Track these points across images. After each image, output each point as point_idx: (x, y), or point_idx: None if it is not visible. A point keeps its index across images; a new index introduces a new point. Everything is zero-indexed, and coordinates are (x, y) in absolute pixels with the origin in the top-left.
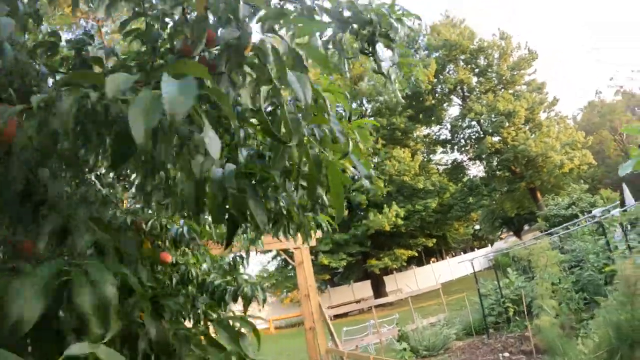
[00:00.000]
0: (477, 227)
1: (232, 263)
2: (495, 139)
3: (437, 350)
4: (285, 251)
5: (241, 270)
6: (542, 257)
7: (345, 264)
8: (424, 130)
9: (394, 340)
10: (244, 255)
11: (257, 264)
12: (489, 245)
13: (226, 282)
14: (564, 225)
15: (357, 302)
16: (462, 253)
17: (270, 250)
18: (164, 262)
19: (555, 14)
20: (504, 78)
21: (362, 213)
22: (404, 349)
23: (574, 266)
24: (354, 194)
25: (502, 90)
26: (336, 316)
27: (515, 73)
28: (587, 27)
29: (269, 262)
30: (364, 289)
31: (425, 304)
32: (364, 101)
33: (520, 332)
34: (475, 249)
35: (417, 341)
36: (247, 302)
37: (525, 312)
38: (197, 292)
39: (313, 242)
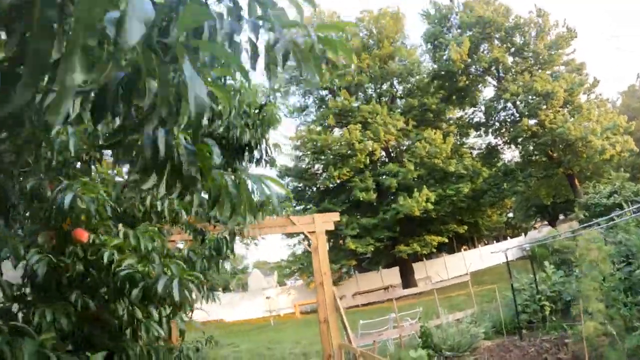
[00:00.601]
0: (511, 215)
1: (213, 247)
2: (532, 121)
3: (462, 351)
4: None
5: (229, 256)
6: (590, 251)
7: (373, 249)
8: (457, 113)
9: (416, 336)
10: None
11: (284, 247)
12: (523, 234)
13: (141, 273)
14: (609, 216)
15: (385, 289)
16: (494, 241)
17: (298, 234)
18: (78, 241)
19: (575, 2)
20: (541, 57)
21: (391, 197)
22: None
23: (621, 262)
24: (382, 177)
25: (540, 70)
26: (363, 304)
27: (553, 52)
28: (607, 15)
29: (294, 246)
30: (393, 275)
31: (454, 294)
32: (395, 82)
33: (557, 335)
34: (508, 238)
35: (441, 339)
36: (173, 304)
37: (581, 311)
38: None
39: (330, 226)
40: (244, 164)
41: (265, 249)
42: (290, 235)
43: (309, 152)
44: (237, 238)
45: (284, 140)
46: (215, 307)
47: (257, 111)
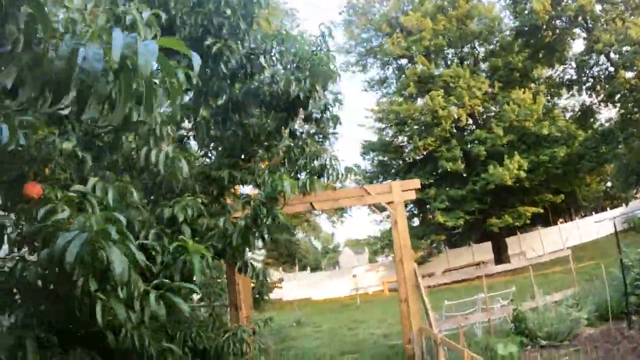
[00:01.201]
0: (609, 184)
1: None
2: (630, 74)
3: (560, 339)
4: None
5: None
6: None
7: (463, 222)
8: (545, 72)
9: (507, 319)
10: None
11: (372, 222)
12: (623, 204)
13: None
14: None
15: (477, 264)
16: (592, 213)
17: (384, 208)
18: (28, 197)
19: None
20: (631, 1)
21: (480, 166)
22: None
23: None
24: (470, 145)
25: (632, 16)
26: (454, 281)
27: None
28: None
29: (381, 222)
30: (485, 251)
31: (550, 271)
32: (476, 44)
33: None
34: (607, 209)
35: (537, 325)
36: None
37: None
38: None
39: (411, 195)
40: (298, 121)
41: (355, 225)
42: (372, 208)
43: (391, 124)
44: (324, 215)
45: (366, 112)
46: (303, 286)
47: (306, 63)
